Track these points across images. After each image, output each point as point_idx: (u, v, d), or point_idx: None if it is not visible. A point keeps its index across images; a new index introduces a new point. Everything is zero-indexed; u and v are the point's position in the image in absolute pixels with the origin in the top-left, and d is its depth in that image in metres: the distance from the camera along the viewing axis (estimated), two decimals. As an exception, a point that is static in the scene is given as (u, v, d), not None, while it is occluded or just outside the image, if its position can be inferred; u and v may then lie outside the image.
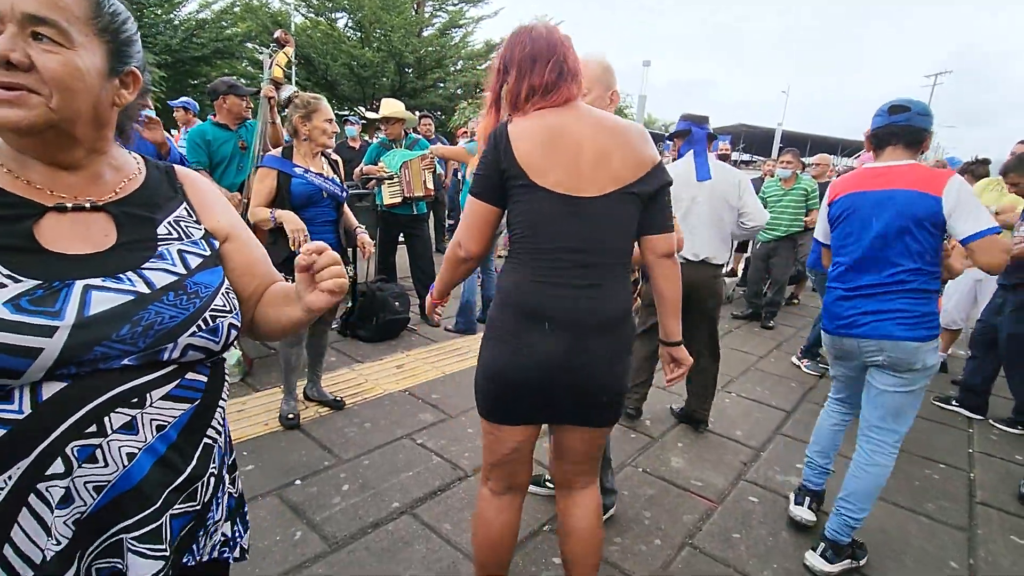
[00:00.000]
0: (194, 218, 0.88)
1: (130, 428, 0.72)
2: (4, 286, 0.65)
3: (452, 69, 18.88)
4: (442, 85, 18.99)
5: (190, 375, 0.79)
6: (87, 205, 0.76)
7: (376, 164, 4.21)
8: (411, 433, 2.74)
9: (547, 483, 2.36)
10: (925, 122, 1.94)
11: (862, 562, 2.05)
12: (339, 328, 4.03)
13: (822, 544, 2.04)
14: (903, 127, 1.94)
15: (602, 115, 1.33)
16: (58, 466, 0.67)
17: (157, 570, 0.75)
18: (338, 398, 2.96)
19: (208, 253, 0.85)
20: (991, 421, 3.39)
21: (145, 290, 0.74)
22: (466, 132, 7.89)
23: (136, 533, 0.74)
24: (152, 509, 0.75)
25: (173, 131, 6.14)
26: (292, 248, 2.38)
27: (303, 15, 18.64)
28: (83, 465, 0.69)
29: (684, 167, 2.79)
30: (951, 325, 4.07)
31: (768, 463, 2.76)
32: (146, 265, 0.76)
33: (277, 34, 3.47)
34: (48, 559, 0.68)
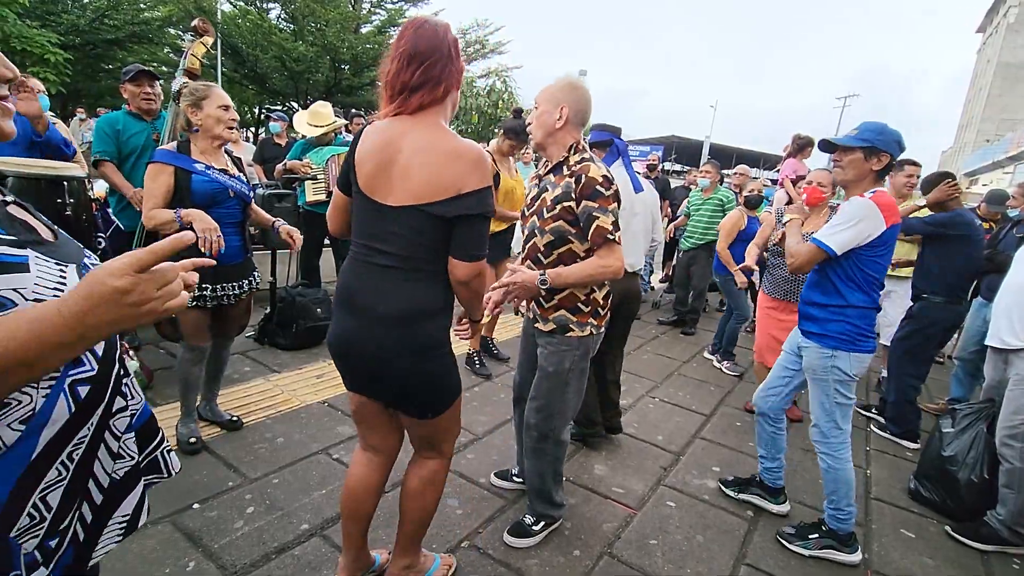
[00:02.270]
0: None
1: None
2: (63, 271, 0.76)
3: (390, 68, 18.52)
4: (379, 84, 18.56)
5: None
6: None
7: (302, 160, 4.01)
8: (327, 447, 2.60)
9: (515, 478, 2.43)
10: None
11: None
12: (255, 336, 3.80)
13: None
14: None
15: (433, 137, 1.36)
16: (119, 401, 0.86)
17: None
18: (235, 417, 2.70)
19: None
20: (873, 428, 3.61)
21: None
22: None
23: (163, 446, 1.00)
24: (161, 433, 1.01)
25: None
26: (202, 249, 2.14)
27: (231, 3, 17.70)
28: (129, 399, 0.89)
29: (623, 179, 2.78)
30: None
31: (686, 467, 2.84)
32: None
33: (195, 22, 3.22)
34: (118, 481, 0.88)
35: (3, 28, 11.06)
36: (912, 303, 3.43)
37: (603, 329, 2.03)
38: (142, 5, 15.59)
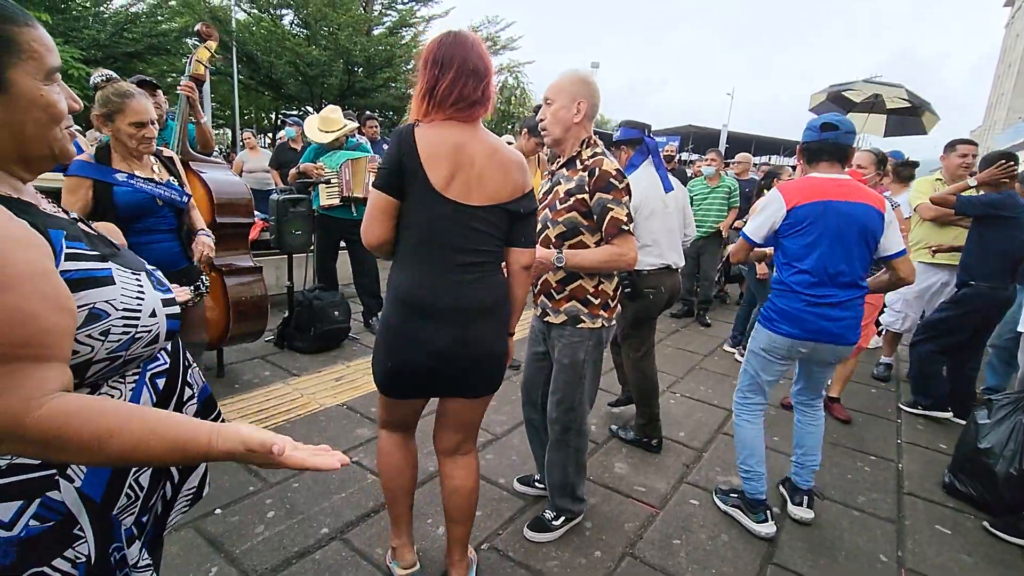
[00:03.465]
0: None
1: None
2: (138, 278, 0.87)
3: (403, 69, 18.57)
4: (393, 85, 18.65)
5: None
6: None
7: (315, 163, 4.02)
8: (347, 450, 2.61)
9: (537, 484, 2.41)
10: (850, 139, 2.12)
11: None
12: (275, 339, 3.84)
13: (805, 497, 2.37)
14: (832, 144, 2.10)
15: (493, 143, 1.48)
16: (188, 391, 1.00)
17: None
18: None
19: None
20: (901, 405, 3.57)
21: None
22: None
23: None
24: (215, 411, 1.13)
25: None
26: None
27: (245, 11, 17.91)
28: (195, 387, 1.04)
29: (649, 177, 2.74)
30: (893, 326, 4.10)
31: (710, 463, 2.78)
32: None
33: (199, 27, 3.25)
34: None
35: (28, 46, 11.42)
36: (957, 289, 3.38)
37: (614, 321, 2.05)
38: (159, 17, 15.89)
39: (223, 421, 1.10)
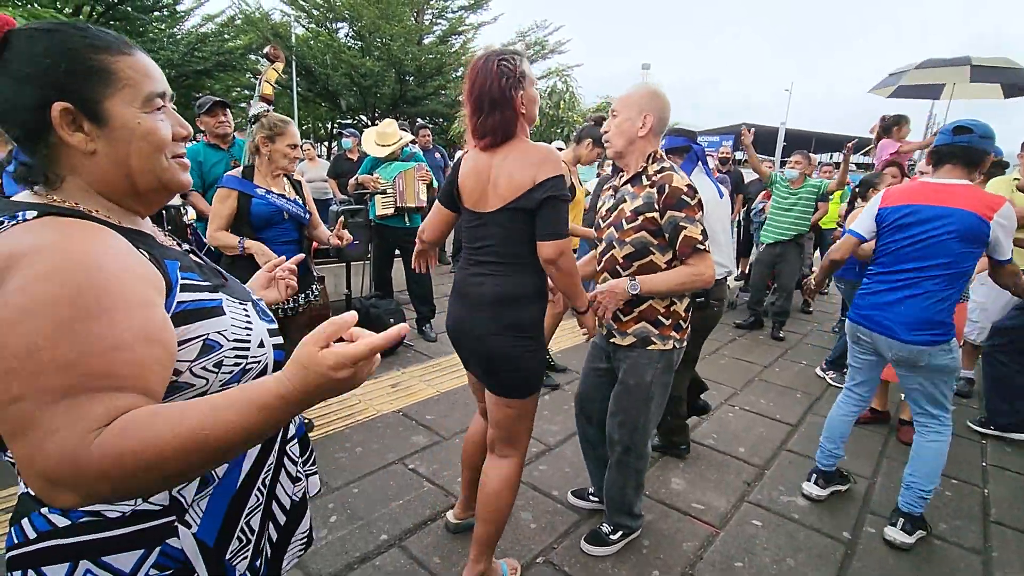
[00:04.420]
0: None
1: None
2: (245, 309, 0.86)
3: (453, 76, 18.88)
4: (444, 92, 18.98)
5: None
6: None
7: (372, 175, 4.16)
8: (403, 457, 2.67)
9: (591, 497, 2.39)
10: (986, 144, 2.06)
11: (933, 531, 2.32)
12: (334, 346, 3.98)
13: (900, 519, 2.24)
14: (964, 148, 2.07)
15: (511, 150, 1.60)
16: (291, 429, 0.99)
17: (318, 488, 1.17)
18: (307, 420, 2.79)
19: None
20: (970, 423, 3.31)
21: None
22: None
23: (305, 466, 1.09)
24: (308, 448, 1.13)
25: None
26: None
27: (304, 26, 18.70)
28: (296, 427, 1.02)
29: (705, 184, 2.69)
30: (971, 337, 3.76)
31: (772, 482, 2.67)
32: None
33: (267, 49, 3.43)
34: (297, 502, 1.00)
35: (110, 68, 12.37)
36: None
37: (685, 343, 1.96)
38: (225, 36, 16.83)
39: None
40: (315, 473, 1.15)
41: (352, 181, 4.27)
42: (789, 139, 21.56)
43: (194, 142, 3.57)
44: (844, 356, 4.07)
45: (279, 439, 0.93)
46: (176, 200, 2.83)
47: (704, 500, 2.49)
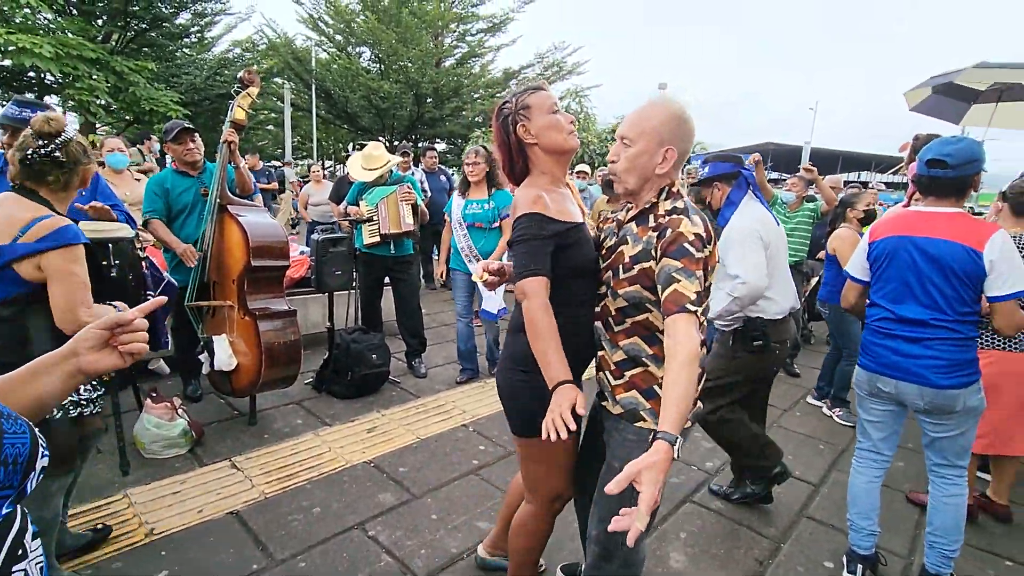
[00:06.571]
0: None
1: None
2: None
3: (470, 98, 18.93)
4: (462, 113, 19.03)
5: None
6: None
7: (358, 203, 3.94)
8: (364, 521, 2.37)
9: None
10: (965, 172, 1.91)
11: None
12: (313, 383, 3.73)
13: None
14: (943, 180, 1.93)
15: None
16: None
17: None
18: (100, 526, 2.18)
19: None
20: None
21: None
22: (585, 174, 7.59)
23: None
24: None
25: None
26: None
27: (325, 51, 19.04)
28: None
29: (762, 212, 2.45)
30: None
31: (790, 559, 2.29)
32: None
33: (242, 74, 3.26)
34: None
35: (136, 92, 12.60)
36: None
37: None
38: (248, 60, 17.19)
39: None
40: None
41: (339, 210, 4.06)
42: (813, 157, 20.97)
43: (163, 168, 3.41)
44: (845, 388, 3.74)
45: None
46: (125, 232, 2.62)
47: (707, 584, 2.13)
